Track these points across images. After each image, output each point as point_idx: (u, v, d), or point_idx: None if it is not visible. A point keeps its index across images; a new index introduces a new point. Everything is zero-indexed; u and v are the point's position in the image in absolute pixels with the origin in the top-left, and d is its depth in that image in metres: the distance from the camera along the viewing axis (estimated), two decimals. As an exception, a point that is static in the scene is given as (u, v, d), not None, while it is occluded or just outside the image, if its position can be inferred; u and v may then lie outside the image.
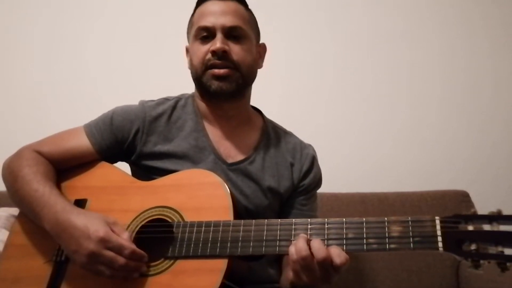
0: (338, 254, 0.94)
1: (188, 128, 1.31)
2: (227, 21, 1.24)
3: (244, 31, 1.27)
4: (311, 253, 0.94)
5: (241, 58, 1.25)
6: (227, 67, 1.23)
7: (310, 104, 2.18)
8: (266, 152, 1.33)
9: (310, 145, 1.41)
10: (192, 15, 1.33)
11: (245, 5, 1.33)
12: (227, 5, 1.27)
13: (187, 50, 1.35)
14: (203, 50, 1.25)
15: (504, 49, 2.21)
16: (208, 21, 1.25)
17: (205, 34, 1.25)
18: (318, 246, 0.94)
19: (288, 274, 1.03)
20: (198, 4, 1.32)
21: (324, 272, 0.95)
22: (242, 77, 1.26)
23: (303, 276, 0.97)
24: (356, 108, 2.18)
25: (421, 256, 1.74)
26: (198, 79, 1.27)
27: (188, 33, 1.35)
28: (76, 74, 2.19)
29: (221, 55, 1.22)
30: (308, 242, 0.97)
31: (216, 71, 1.23)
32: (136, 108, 1.31)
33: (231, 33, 1.25)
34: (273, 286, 1.28)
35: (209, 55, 1.23)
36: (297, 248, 0.95)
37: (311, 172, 1.35)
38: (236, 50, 1.25)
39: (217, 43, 1.22)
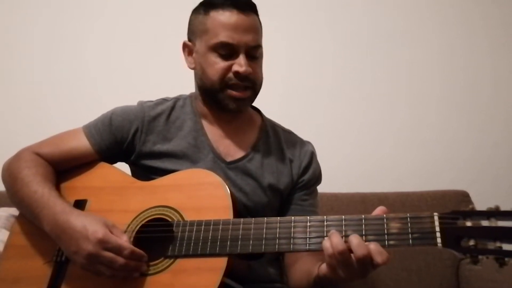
0: (379, 252, 0.91)
1: (187, 128, 1.31)
2: (251, 40, 1.22)
3: (261, 49, 1.27)
4: (349, 249, 0.92)
5: (258, 77, 1.26)
6: (246, 88, 1.24)
7: (310, 103, 2.18)
8: (265, 150, 1.34)
9: (309, 142, 1.41)
10: (204, 15, 1.25)
11: (257, 14, 1.29)
12: (249, 20, 1.23)
13: (186, 46, 1.32)
14: (222, 65, 1.22)
15: (503, 48, 2.20)
16: (232, 38, 1.20)
17: (226, 50, 1.22)
18: (357, 242, 0.92)
19: (320, 270, 1.01)
20: (212, 7, 1.24)
21: (363, 268, 0.92)
22: (255, 95, 1.29)
23: (339, 271, 0.94)
24: (356, 108, 2.18)
25: (421, 255, 1.74)
26: (213, 93, 1.25)
27: (195, 33, 1.28)
28: (76, 74, 2.18)
29: (244, 77, 1.22)
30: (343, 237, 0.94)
31: (237, 94, 1.23)
32: (135, 109, 1.32)
33: (251, 52, 1.24)
34: (273, 285, 1.28)
35: (230, 74, 1.22)
36: (333, 243, 0.93)
37: (310, 168, 1.35)
38: (255, 70, 1.25)
39: (243, 65, 1.20)
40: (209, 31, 1.23)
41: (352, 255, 0.92)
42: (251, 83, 1.24)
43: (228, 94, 1.23)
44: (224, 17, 1.22)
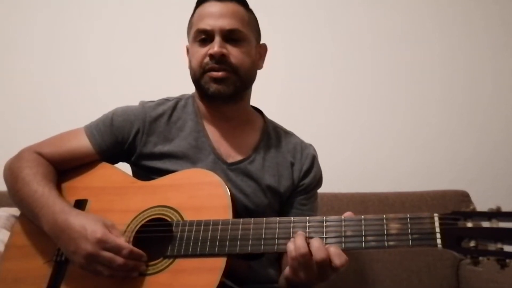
0: (338, 255, 0.94)
1: (188, 129, 1.31)
2: (226, 24, 1.24)
3: (243, 33, 1.26)
4: (310, 252, 0.95)
5: (239, 61, 1.25)
6: (225, 70, 1.23)
7: (310, 104, 2.17)
8: (266, 152, 1.33)
9: (310, 145, 1.41)
10: (192, 15, 1.32)
11: (245, 6, 1.31)
12: (226, 6, 1.26)
13: (188, 50, 1.35)
14: (201, 52, 1.25)
15: (504, 49, 2.20)
16: (207, 24, 1.24)
17: (203, 37, 1.25)
18: (317, 245, 0.95)
19: (286, 271, 1.04)
20: (197, 5, 1.31)
21: (322, 271, 0.95)
22: (240, 80, 1.26)
23: (300, 273, 0.97)
24: (357, 108, 2.18)
25: (421, 256, 1.74)
26: (197, 81, 1.28)
27: (188, 33, 1.34)
28: (76, 74, 2.18)
29: (219, 59, 1.22)
30: (307, 240, 0.97)
31: (214, 73, 1.23)
32: (136, 109, 1.31)
33: (229, 36, 1.24)
34: (273, 286, 1.28)
35: (207, 58, 1.23)
36: (296, 245, 0.96)
37: (311, 172, 1.35)
38: (234, 53, 1.24)
39: (215, 46, 1.22)
40: (192, 26, 1.30)
41: (312, 257, 0.94)
42: (230, 66, 1.23)
43: (208, 76, 1.24)
44: (202, 9, 1.28)
